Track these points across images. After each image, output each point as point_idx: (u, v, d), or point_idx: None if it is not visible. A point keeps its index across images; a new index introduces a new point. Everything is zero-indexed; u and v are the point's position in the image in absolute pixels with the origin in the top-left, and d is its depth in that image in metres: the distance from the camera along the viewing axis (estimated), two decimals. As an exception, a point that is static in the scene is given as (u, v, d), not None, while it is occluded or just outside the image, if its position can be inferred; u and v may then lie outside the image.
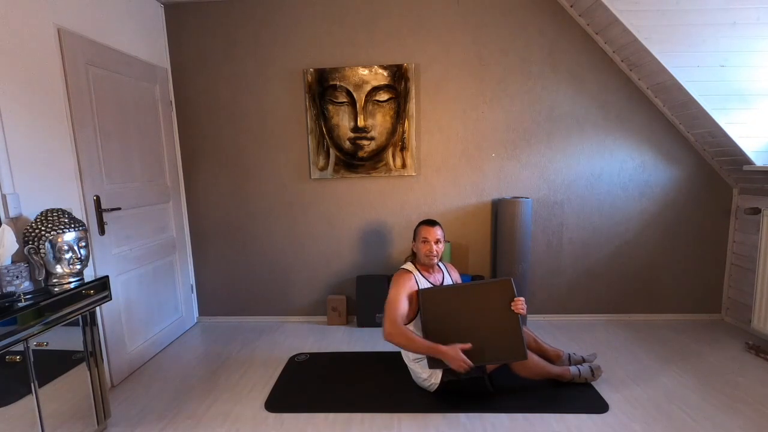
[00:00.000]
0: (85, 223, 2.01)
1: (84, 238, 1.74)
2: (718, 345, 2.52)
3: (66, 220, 1.69)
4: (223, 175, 2.97)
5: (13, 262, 1.62)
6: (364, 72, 2.77)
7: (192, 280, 3.08)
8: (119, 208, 2.29)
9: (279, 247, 3.03)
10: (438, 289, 1.99)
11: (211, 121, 2.91)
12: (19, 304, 1.45)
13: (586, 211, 2.88)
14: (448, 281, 2.16)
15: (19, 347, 1.43)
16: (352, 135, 2.84)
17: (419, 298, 1.96)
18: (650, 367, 2.27)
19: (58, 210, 1.72)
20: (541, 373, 1.99)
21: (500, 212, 2.72)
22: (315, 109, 2.82)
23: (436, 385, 1.97)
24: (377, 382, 2.16)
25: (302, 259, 3.04)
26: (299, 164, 2.93)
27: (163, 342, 2.70)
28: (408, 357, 2.04)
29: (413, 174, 2.88)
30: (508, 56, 2.75)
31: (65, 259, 1.67)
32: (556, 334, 2.73)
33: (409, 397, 2.02)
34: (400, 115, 2.81)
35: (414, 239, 2.11)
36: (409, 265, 2.09)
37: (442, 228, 2.08)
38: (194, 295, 3.11)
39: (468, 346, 1.82)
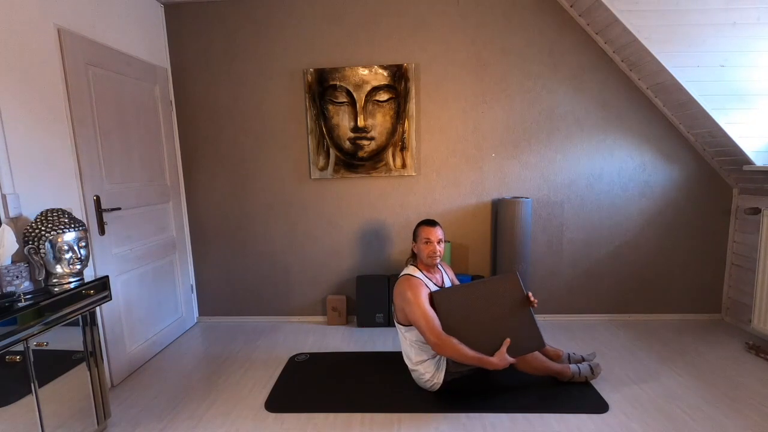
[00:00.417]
0: (85, 223, 2.01)
1: (84, 238, 1.74)
2: (718, 345, 2.52)
3: (66, 220, 1.69)
4: (223, 175, 2.97)
5: (13, 262, 1.62)
6: (364, 72, 2.77)
7: (192, 280, 3.09)
8: (119, 208, 2.29)
9: (279, 247, 3.03)
10: (450, 291, 1.98)
11: (211, 121, 2.91)
12: (19, 304, 1.45)
13: (586, 211, 2.88)
14: (447, 281, 2.16)
15: (19, 347, 1.43)
16: (352, 135, 2.84)
17: (433, 302, 1.94)
18: (650, 367, 2.27)
19: (58, 210, 1.72)
20: (541, 368, 2.00)
21: (500, 212, 2.72)
22: (315, 109, 2.83)
23: (438, 385, 1.97)
24: (377, 382, 2.16)
25: (302, 259, 3.04)
26: (299, 164, 2.93)
27: (163, 342, 2.70)
28: (410, 360, 2.03)
29: (413, 174, 2.88)
30: (508, 56, 2.75)
31: (65, 259, 1.67)
32: (556, 334, 2.73)
33: (409, 397, 2.02)
34: (400, 115, 2.81)
35: (414, 240, 2.10)
36: (412, 269, 2.06)
37: (441, 228, 2.08)
38: (194, 295, 3.11)
39: (508, 341, 1.87)
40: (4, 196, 1.65)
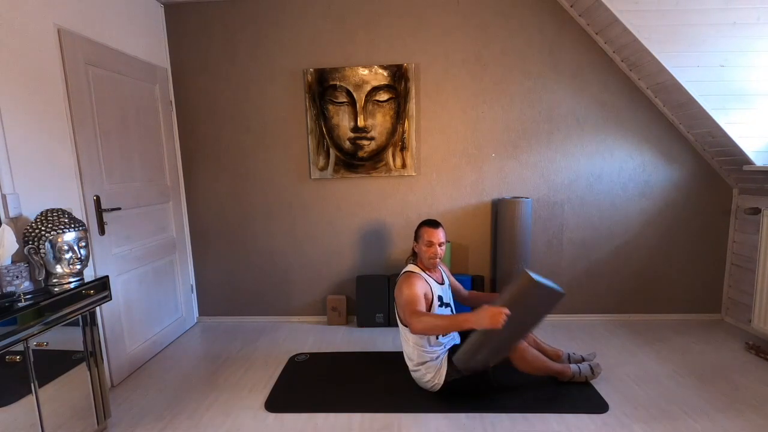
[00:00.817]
0: (85, 223, 2.01)
1: (84, 238, 1.74)
2: (718, 345, 2.52)
3: (66, 220, 1.69)
4: (223, 175, 2.97)
5: (13, 262, 1.62)
6: (364, 72, 2.77)
7: (192, 280, 3.08)
8: (119, 208, 2.29)
9: (279, 247, 3.03)
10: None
11: (211, 121, 2.91)
12: (19, 304, 1.45)
13: (586, 211, 2.88)
14: (446, 280, 2.16)
15: (19, 347, 1.43)
16: (352, 135, 2.84)
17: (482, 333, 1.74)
18: (650, 367, 2.27)
19: (58, 210, 1.72)
20: (541, 367, 1.99)
21: (500, 212, 2.72)
22: (315, 109, 2.83)
23: (440, 386, 1.97)
24: (377, 382, 2.16)
25: (302, 259, 3.04)
26: (299, 164, 2.93)
27: (163, 342, 2.70)
28: (412, 361, 2.03)
29: (413, 174, 2.88)
30: (508, 56, 2.75)
31: (65, 259, 1.67)
32: (556, 334, 2.73)
33: (409, 397, 2.02)
34: (400, 115, 2.81)
35: (416, 240, 2.09)
36: (413, 267, 2.07)
37: (444, 229, 2.08)
38: (194, 295, 3.11)
39: (504, 310, 1.66)
40: (4, 196, 1.65)
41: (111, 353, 2.21)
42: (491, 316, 1.65)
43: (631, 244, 2.90)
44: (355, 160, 2.87)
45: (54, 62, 1.92)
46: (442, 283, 2.11)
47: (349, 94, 2.80)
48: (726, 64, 2.36)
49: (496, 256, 2.84)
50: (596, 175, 2.84)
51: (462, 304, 2.28)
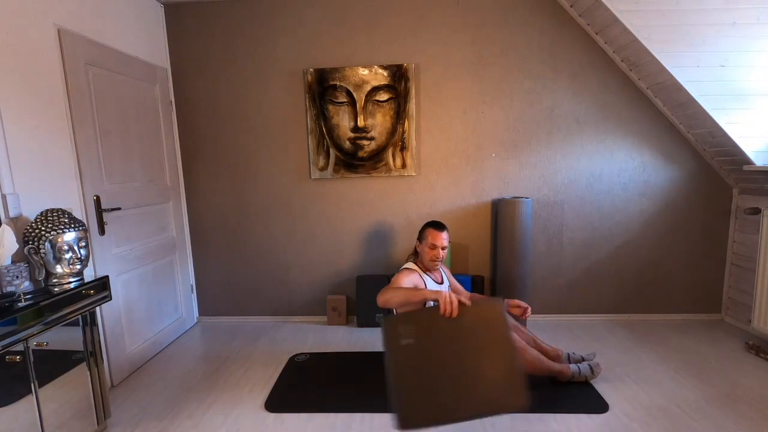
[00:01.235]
0: (85, 223, 2.01)
1: (84, 238, 1.74)
2: (718, 345, 2.52)
3: (66, 220, 1.69)
4: (223, 175, 2.97)
5: (13, 262, 1.62)
6: (364, 72, 2.77)
7: (192, 280, 3.08)
8: (119, 208, 2.29)
9: (279, 247, 3.03)
10: (410, 315, 1.58)
11: (211, 121, 2.91)
12: (19, 304, 1.45)
13: (586, 211, 2.88)
14: (446, 281, 2.16)
15: (19, 347, 1.43)
16: (352, 135, 2.84)
17: (383, 327, 1.58)
18: (650, 367, 2.27)
19: (58, 210, 1.72)
20: (541, 368, 1.99)
21: (500, 212, 2.72)
22: (315, 109, 2.82)
23: None
24: (377, 382, 2.16)
25: (302, 259, 3.04)
26: (299, 164, 2.93)
27: (163, 342, 2.70)
28: None
29: (413, 174, 2.88)
30: (508, 56, 2.75)
31: (65, 259, 1.67)
32: (556, 334, 2.73)
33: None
34: (400, 115, 2.81)
35: (420, 239, 2.08)
36: (411, 265, 2.07)
37: (448, 231, 2.07)
38: (194, 295, 3.11)
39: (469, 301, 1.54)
40: (4, 196, 1.65)
41: (111, 353, 2.21)
42: (448, 296, 1.52)
43: (631, 244, 2.90)
44: (355, 160, 2.86)
45: (54, 62, 1.92)
46: (441, 283, 2.11)
47: (349, 94, 2.80)
48: (726, 64, 2.36)
49: (496, 257, 2.84)
50: (596, 175, 2.84)
51: None
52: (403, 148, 2.84)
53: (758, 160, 2.49)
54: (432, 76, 2.79)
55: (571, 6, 2.64)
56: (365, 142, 2.84)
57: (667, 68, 2.38)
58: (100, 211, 2.15)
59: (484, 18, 2.72)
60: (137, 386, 2.23)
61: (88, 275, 1.83)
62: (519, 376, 1.45)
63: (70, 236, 1.68)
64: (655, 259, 2.91)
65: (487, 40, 2.74)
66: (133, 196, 2.42)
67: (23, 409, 1.44)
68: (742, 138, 2.45)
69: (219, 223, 3.02)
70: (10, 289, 1.56)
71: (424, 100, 2.82)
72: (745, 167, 2.50)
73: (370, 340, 2.72)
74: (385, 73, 2.77)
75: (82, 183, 2.05)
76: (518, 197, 2.75)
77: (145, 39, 2.61)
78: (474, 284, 2.84)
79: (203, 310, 3.15)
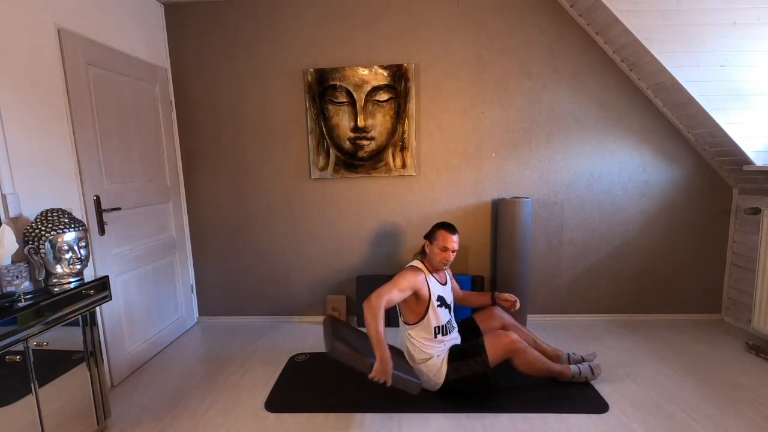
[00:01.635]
0: (85, 223, 2.01)
1: (84, 238, 1.74)
2: (718, 345, 2.52)
3: (66, 220, 1.69)
4: (223, 174, 2.97)
5: (13, 262, 1.62)
6: (364, 72, 2.77)
7: (192, 280, 3.08)
8: (119, 208, 2.29)
9: (279, 247, 3.03)
10: (352, 351, 1.86)
11: (211, 121, 2.91)
12: (19, 304, 1.45)
13: (586, 211, 2.88)
14: (449, 282, 2.16)
15: (19, 347, 1.43)
16: (352, 135, 2.84)
17: (325, 324, 2.01)
18: (650, 367, 2.27)
19: (58, 210, 1.72)
20: (542, 369, 1.99)
21: (500, 212, 2.72)
22: (315, 109, 2.82)
23: (440, 384, 1.97)
24: (377, 382, 2.15)
25: (302, 259, 3.04)
26: (299, 164, 2.93)
27: (163, 342, 2.70)
28: (413, 359, 2.03)
29: (413, 174, 2.88)
30: (508, 56, 2.75)
31: (65, 259, 1.67)
32: (556, 334, 2.73)
33: (409, 397, 2.01)
34: (400, 115, 2.81)
35: (430, 240, 2.05)
36: (419, 263, 2.06)
37: (458, 234, 2.07)
38: (194, 295, 3.11)
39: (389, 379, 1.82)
40: (4, 196, 1.65)
41: (111, 353, 2.21)
42: (381, 371, 1.79)
43: (631, 244, 2.90)
44: (355, 160, 2.87)
45: (54, 62, 1.92)
46: (444, 284, 2.11)
47: (349, 94, 2.80)
48: (726, 64, 2.36)
49: (496, 256, 2.84)
50: (596, 175, 2.84)
51: (458, 304, 2.28)
52: (403, 148, 2.84)
53: (758, 160, 2.49)
54: (432, 76, 2.79)
55: (571, 6, 2.64)
56: (365, 142, 2.84)
57: (667, 68, 2.38)
58: (100, 211, 2.15)
59: (484, 18, 2.72)
60: (137, 386, 2.23)
61: (88, 275, 1.83)
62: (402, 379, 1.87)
63: (70, 236, 1.68)
64: (655, 259, 2.91)
65: (487, 40, 2.74)
66: (133, 196, 2.42)
67: (23, 409, 1.44)
68: (742, 138, 2.45)
69: (219, 223, 3.02)
70: (10, 289, 1.56)
71: (424, 100, 2.82)
72: (745, 167, 2.50)
73: (370, 340, 2.72)
74: (385, 73, 2.77)
75: (82, 183, 2.05)
76: (518, 197, 2.75)
77: (145, 39, 2.61)
78: (474, 284, 2.84)
79: (203, 310, 3.15)
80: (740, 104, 2.41)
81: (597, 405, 1.92)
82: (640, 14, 2.33)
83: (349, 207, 2.96)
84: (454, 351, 2.00)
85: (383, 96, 2.79)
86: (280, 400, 2.04)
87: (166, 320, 2.73)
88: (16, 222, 1.69)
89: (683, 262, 2.90)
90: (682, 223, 2.86)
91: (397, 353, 2.06)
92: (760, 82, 2.38)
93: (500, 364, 1.97)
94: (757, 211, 2.59)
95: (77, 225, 1.72)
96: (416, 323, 1.98)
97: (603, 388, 2.06)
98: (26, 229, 1.65)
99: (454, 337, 2.10)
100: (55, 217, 1.68)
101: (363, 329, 1.97)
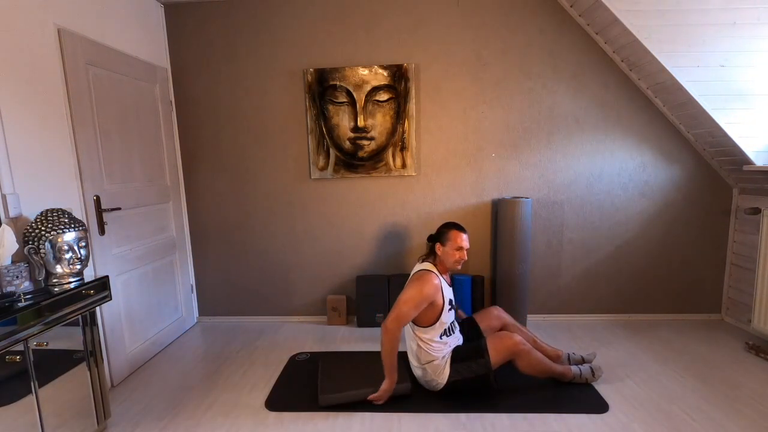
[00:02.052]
0: (85, 223, 2.01)
1: (84, 238, 1.74)
2: (718, 345, 2.52)
3: (66, 220, 1.69)
4: (223, 175, 2.97)
5: (13, 262, 1.62)
6: (364, 72, 2.77)
7: (192, 280, 3.08)
8: (119, 208, 2.29)
9: (279, 247, 3.03)
10: (341, 392, 1.99)
11: (211, 121, 2.91)
12: (19, 304, 1.45)
13: (586, 211, 2.88)
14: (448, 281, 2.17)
15: (19, 347, 1.43)
16: (352, 135, 2.84)
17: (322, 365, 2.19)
18: (650, 367, 2.27)
19: (58, 210, 1.72)
20: (544, 370, 2.00)
21: (500, 212, 2.72)
22: (315, 109, 2.82)
23: (442, 386, 1.97)
24: (377, 383, 2.16)
25: (302, 259, 3.04)
26: (299, 164, 2.93)
27: (163, 342, 2.70)
28: (418, 360, 2.02)
29: (413, 174, 2.88)
30: (508, 56, 2.75)
31: (65, 259, 1.66)
32: (556, 334, 2.73)
33: (409, 397, 2.01)
34: (400, 115, 2.81)
35: (442, 242, 2.03)
36: (431, 267, 2.03)
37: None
38: (194, 295, 3.11)
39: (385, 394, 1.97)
40: (4, 196, 1.65)
41: (111, 353, 2.21)
42: (387, 394, 1.97)
43: (632, 244, 2.90)
44: (355, 160, 2.86)
45: (54, 62, 1.92)
46: (451, 286, 2.11)
47: (349, 94, 2.80)
48: (726, 64, 2.36)
49: (496, 257, 2.84)
50: (596, 175, 2.84)
51: None
52: (403, 148, 2.84)
53: (758, 160, 2.49)
54: (432, 76, 2.79)
55: (571, 6, 2.64)
56: (365, 142, 2.84)
57: (667, 68, 2.38)
58: (100, 211, 2.15)
59: (484, 18, 2.72)
60: (137, 386, 2.23)
61: (88, 275, 1.83)
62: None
63: (70, 236, 1.68)
64: (655, 259, 2.91)
65: (487, 40, 2.74)
66: (133, 196, 2.42)
67: (23, 409, 1.44)
68: (742, 138, 2.45)
69: (219, 223, 3.02)
70: (10, 289, 1.56)
71: (424, 100, 2.82)
72: (745, 167, 2.50)
73: (370, 340, 2.72)
74: (385, 73, 2.77)
75: (82, 183, 2.05)
76: (518, 197, 2.75)
77: (145, 39, 2.61)
78: (474, 284, 2.84)
79: (203, 310, 3.15)
80: (740, 104, 2.41)
81: (597, 405, 1.92)
82: (640, 14, 2.33)
83: (349, 207, 2.96)
84: (456, 352, 2.00)
85: (383, 96, 2.79)
86: (280, 400, 2.04)
87: (166, 320, 2.73)
88: (16, 222, 1.69)
89: (683, 262, 2.90)
90: (682, 223, 2.86)
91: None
92: (760, 82, 2.38)
93: (502, 365, 1.98)
94: (757, 211, 2.58)
95: (77, 225, 1.72)
96: (428, 326, 1.98)
97: (603, 388, 2.06)
98: (26, 229, 1.65)
99: (458, 338, 2.10)
100: (55, 217, 1.68)
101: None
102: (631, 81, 2.72)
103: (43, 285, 1.70)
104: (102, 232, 2.16)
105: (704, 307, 2.94)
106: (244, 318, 3.12)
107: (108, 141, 2.24)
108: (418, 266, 2.06)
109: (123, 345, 2.30)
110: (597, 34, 2.65)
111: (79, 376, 1.70)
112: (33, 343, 1.48)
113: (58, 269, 1.67)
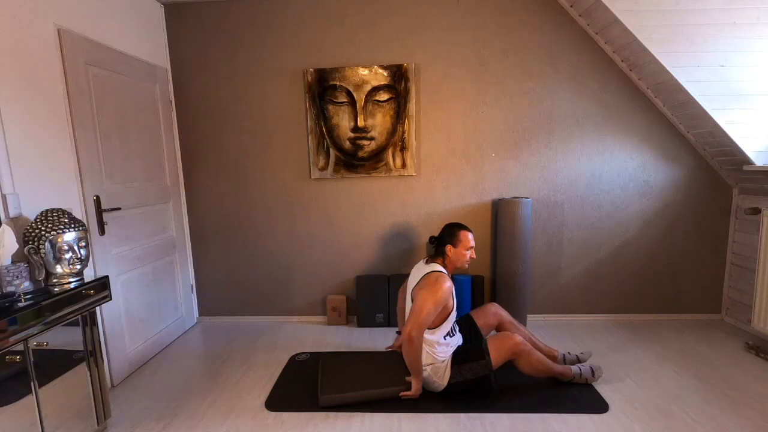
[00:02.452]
0: (85, 223, 2.01)
1: (84, 238, 1.74)
2: (718, 345, 2.52)
3: (66, 220, 1.69)
4: (223, 174, 2.97)
5: (13, 262, 1.62)
6: (364, 72, 2.77)
7: (192, 280, 3.08)
8: (119, 208, 2.29)
9: (279, 247, 3.03)
10: (343, 395, 1.99)
11: (211, 121, 2.91)
12: (19, 304, 1.45)
13: (586, 211, 2.88)
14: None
15: (19, 347, 1.43)
16: (352, 135, 2.84)
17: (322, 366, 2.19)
18: (650, 367, 2.27)
19: (58, 210, 1.72)
20: (544, 370, 2.00)
21: (500, 212, 2.72)
22: (315, 109, 2.82)
23: (443, 386, 1.98)
24: (377, 382, 2.15)
25: (302, 259, 3.04)
26: (299, 164, 2.93)
27: (163, 342, 2.70)
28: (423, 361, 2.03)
29: (413, 174, 2.88)
30: (508, 56, 2.75)
31: (65, 259, 1.67)
32: (556, 334, 2.73)
33: (409, 398, 2.01)
34: (400, 115, 2.81)
35: (453, 243, 2.04)
36: (442, 269, 2.03)
37: None
38: (194, 295, 3.11)
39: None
40: (4, 196, 1.65)
41: (111, 353, 2.21)
42: (417, 393, 2.00)
43: (631, 244, 2.90)
44: (355, 160, 2.86)
45: (54, 62, 1.92)
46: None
47: (349, 94, 2.80)
48: (726, 64, 2.36)
49: (496, 256, 2.84)
50: (596, 175, 2.84)
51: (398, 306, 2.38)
52: (403, 148, 2.84)
53: (758, 160, 2.49)
54: (432, 76, 2.79)
55: (571, 6, 2.64)
56: (365, 142, 2.84)
57: (667, 68, 2.38)
58: (100, 211, 2.15)
59: (484, 18, 2.72)
60: (137, 386, 2.23)
61: (88, 275, 1.83)
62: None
63: (70, 236, 1.68)
64: (655, 259, 2.91)
65: (487, 40, 2.74)
66: (133, 196, 2.42)
67: (23, 409, 1.44)
68: (742, 138, 2.45)
69: (219, 223, 3.02)
70: (10, 289, 1.56)
71: (424, 100, 2.82)
72: (745, 167, 2.50)
73: (370, 340, 2.72)
74: (385, 73, 2.77)
75: (82, 183, 2.05)
76: (518, 197, 2.75)
77: (145, 39, 2.61)
78: (474, 284, 2.84)
79: (203, 310, 3.15)
80: (740, 104, 2.41)
81: (597, 405, 1.92)
82: (640, 14, 2.33)
83: (349, 207, 2.96)
84: (457, 353, 2.00)
85: (383, 96, 2.79)
86: (280, 400, 2.04)
87: (166, 320, 2.73)
88: (16, 222, 1.69)
89: (683, 262, 2.90)
90: (682, 223, 2.86)
91: (384, 358, 2.22)
92: (760, 82, 2.38)
93: (502, 366, 1.98)
94: (757, 211, 2.58)
95: (77, 225, 1.72)
96: (435, 327, 1.98)
97: (603, 388, 2.06)
98: (26, 229, 1.65)
99: (458, 338, 2.10)
100: (55, 217, 1.68)
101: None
102: (631, 81, 2.72)
103: (43, 285, 1.70)
104: (102, 232, 2.16)
105: (704, 307, 2.94)
106: (244, 318, 3.12)
107: (108, 141, 2.24)
108: (428, 268, 2.03)
109: (123, 345, 2.30)
110: (597, 34, 2.65)
111: (79, 376, 1.70)
112: (33, 343, 1.48)
113: (58, 269, 1.67)
